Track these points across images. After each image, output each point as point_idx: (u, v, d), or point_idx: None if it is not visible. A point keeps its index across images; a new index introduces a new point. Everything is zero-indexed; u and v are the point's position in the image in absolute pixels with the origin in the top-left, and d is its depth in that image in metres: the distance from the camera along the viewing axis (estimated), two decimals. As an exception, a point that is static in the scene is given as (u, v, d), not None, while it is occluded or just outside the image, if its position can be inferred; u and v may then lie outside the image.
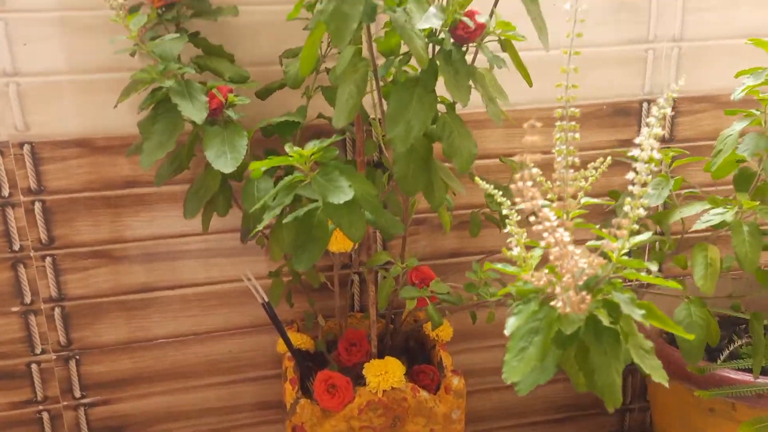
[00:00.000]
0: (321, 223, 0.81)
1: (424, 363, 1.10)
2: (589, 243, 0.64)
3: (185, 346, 1.24)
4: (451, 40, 0.79)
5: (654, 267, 0.58)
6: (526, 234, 0.61)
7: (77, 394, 1.22)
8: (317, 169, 0.80)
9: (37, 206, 1.11)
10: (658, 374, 0.68)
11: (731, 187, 0.99)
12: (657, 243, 0.96)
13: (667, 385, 0.67)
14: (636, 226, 0.58)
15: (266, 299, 0.99)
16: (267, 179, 0.92)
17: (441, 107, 0.85)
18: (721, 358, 1.14)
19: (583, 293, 0.57)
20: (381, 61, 0.86)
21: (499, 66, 0.82)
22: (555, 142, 0.63)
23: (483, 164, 1.23)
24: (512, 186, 0.52)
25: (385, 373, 0.98)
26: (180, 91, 0.90)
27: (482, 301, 0.92)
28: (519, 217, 0.60)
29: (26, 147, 1.08)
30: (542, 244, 0.54)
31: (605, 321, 0.61)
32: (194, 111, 0.89)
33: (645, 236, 0.59)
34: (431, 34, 0.79)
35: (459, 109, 0.87)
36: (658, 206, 0.94)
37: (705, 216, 0.84)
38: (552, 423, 1.45)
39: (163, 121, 0.92)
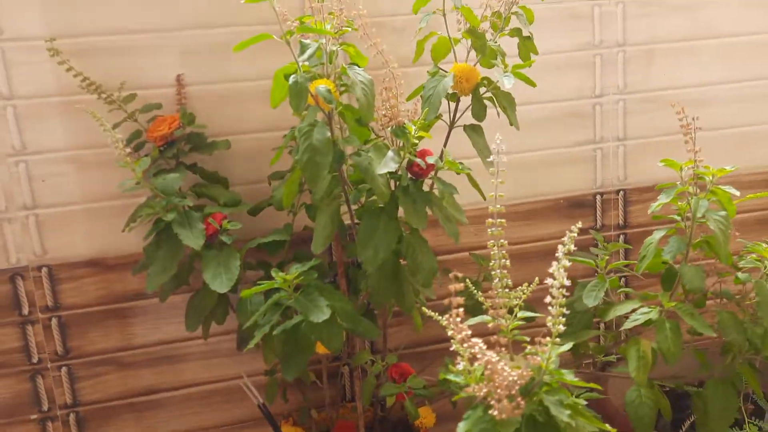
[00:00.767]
0: (305, 335, 0.94)
1: (410, 449, 1.20)
2: (527, 350, 0.76)
3: (188, 441, 1.34)
4: (408, 176, 0.93)
5: (570, 375, 0.70)
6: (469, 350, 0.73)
7: (90, 492, 1.31)
8: (300, 289, 0.93)
9: (54, 322, 1.24)
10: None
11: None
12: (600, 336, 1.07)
13: None
14: (558, 339, 0.70)
15: (261, 401, 1.10)
16: (258, 294, 1.05)
17: (406, 228, 0.99)
18: (683, 428, 1.24)
19: (518, 399, 0.69)
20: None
21: (451, 193, 0.96)
22: (490, 269, 0.76)
23: (456, 257, 1.36)
24: (443, 322, 0.65)
25: (373, 464, 1.09)
26: (180, 222, 1.04)
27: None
28: (463, 334, 0.72)
29: (44, 269, 1.22)
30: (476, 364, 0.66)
31: (541, 419, 0.73)
32: (193, 239, 1.03)
33: (566, 346, 0.71)
34: (392, 171, 0.94)
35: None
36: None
37: (633, 315, 0.96)
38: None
39: (166, 247, 1.05)
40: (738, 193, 0.96)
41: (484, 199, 1.07)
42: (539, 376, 0.71)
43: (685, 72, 1.42)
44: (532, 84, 1.05)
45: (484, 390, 0.68)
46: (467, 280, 0.78)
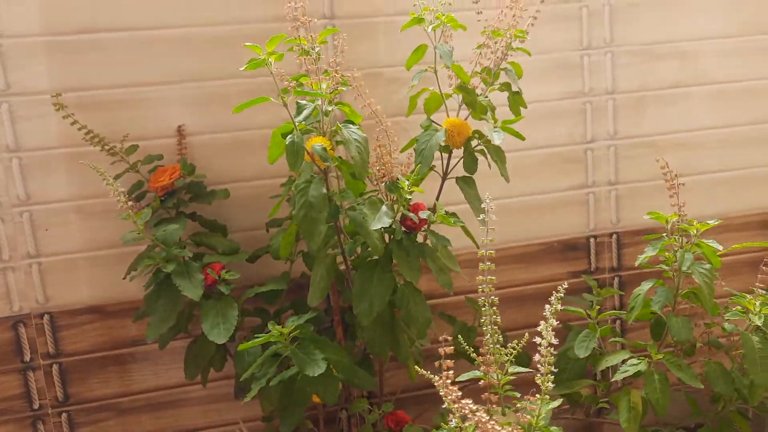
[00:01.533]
0: (301, 389, 0.95)
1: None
2: (518, 405, 0.78)
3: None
4: (402, 229, 0.96)
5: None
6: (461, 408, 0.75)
7: None
8: (296, 342, 0.95)
9: (55, 368, 1.26)
10: None
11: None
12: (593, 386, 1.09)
13: None
14: (548, 397, 0.72)
15: (259, 449, 1.11)
16: (255, 348, 1.07)
17: (401, 279, 1.01)
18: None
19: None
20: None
21: (444, 245, 0.99)
22: (482, 323, 0.78)
23: (452, 301, 1.38)
24: (435, 381, 0.67)
25: None
26: (180, 272, 1.07)
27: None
28: (453, 395, 0.74)
29: (46, 317, 1.24)
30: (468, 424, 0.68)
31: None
32: (192, 289, 1.05)
33: (556, 403, 0.73)
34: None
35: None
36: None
37: (624, 367, 0.98)
38: None
39: (165, 297, 1.07)
40: (721, 248, 0.99)
41: (477, 248, 1.09)
42: (530, 433, 0.73)
43: (674, 117, 1.45)
44: (521, 138, 1.08)
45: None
46: (459, 337, 0.80)
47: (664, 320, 1.01)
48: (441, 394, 0.68)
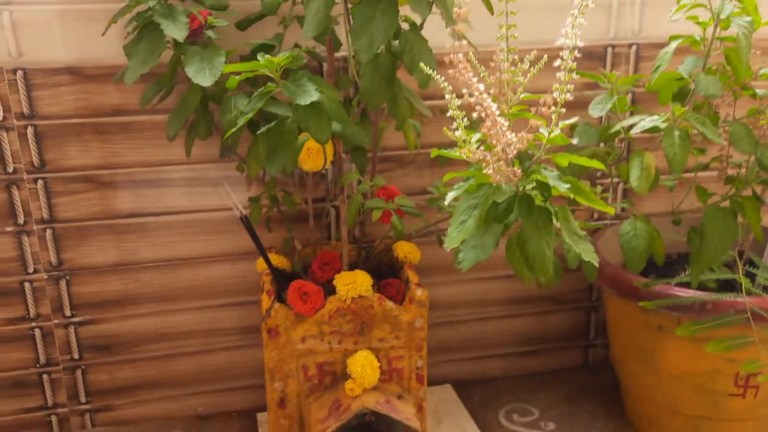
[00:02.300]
0: (291, 131, 0.88)
1: (392, 281, 1.17)
2: (531, 121, 0.71)
3: (172, 270, 1.31)
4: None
5: (575, 140, 0.65)
6: (466, 118, 0.68)
7: (67, 312, 1.29)
8: (288, 76, 0.87)
9: (30, 131, 1.18)
10: (589, 255, 0.75)
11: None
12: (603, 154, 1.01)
13: (597, 263, 0.75)
14: (563, 110, 0.65)
15: (244, 213, 1.06)
16: (243, 97, 0.99)
17: (405, 25, 0.92)
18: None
19: (515, 168, 0.64)
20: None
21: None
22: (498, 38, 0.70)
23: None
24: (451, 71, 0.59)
25: (354, 283, 1.06)
26: (163, 13, 0.97)
27: (443, 214, 1.00)
28: (459, 102, 0.66)
29: (19, 72, 1.15)
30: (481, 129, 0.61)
31: (537, 200, 0.68)
32: (176, 30, 0.96)
33: (573, 120, 0.66)
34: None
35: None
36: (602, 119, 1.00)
37: (641, 123, 0.91)
38: (520, 355, 1.54)
39: (147, 40, 0.98)
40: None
41: (491, 13, 1.00)
42: (539, 151, 0.66)
43: None
44: None
45: (479, 155, 0.63)
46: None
47: (689, 87, 0.93)
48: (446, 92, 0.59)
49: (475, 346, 1.50)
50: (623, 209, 1.36)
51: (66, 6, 1.14)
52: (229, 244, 1.31)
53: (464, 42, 0.60)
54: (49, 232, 1.24)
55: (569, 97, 0.64)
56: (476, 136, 0.68)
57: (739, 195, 0.95)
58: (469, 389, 1.49)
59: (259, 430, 1.33)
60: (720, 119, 0.97)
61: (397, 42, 0.91)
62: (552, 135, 0.65)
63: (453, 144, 0.68)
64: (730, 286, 1.08)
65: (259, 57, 0.86)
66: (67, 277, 1.27)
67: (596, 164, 0.72)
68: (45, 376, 1.32)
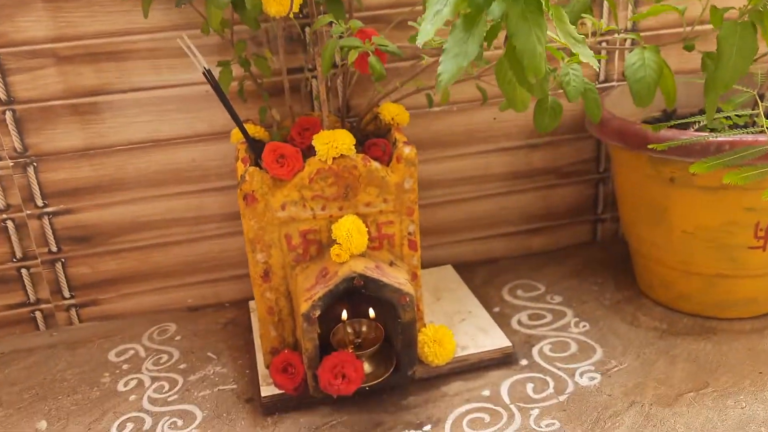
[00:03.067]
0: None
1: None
2: None
3: (145, 154, 1.23)
4: None
5: None
6: None
7: (39, 202, 1.22)
8: None
9: (-27, -1, 1.07)
10: (587, 57, 0.65)
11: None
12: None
13: (597, 67, 0.65)
14: None
15: (206, 67, 0.96)
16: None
17: None
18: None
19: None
20: None
21: None
22: None
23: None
24: None
25: (334, 141, 0.97)
26: None
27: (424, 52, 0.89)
28: None
29: (-48, -68, 1.03)
30: None
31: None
32: None
33: None
34: None
35: None
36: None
37: None
38: (524, 233, 1.46)
39: None
40: None
41: None
42: None
43: None
44: None
45: None
46: None
47: None
48: None
49: (477, 226, 1.42)
50: (632, 41, 1.25)
51: None
52: (205, 123, 1.22)
53: None
54: (9, 114, 1.15)
55: None
56: None
57: (761, 5, 0.83)
58: (472, 270, 1.42)
59: (251, 315, 1.28)
60: None
61: None
62: None
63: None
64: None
65: None
66: (35, 164, 1.19)
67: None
68: (24, 271, 1.26)
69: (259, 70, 1.10)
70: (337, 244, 0.98)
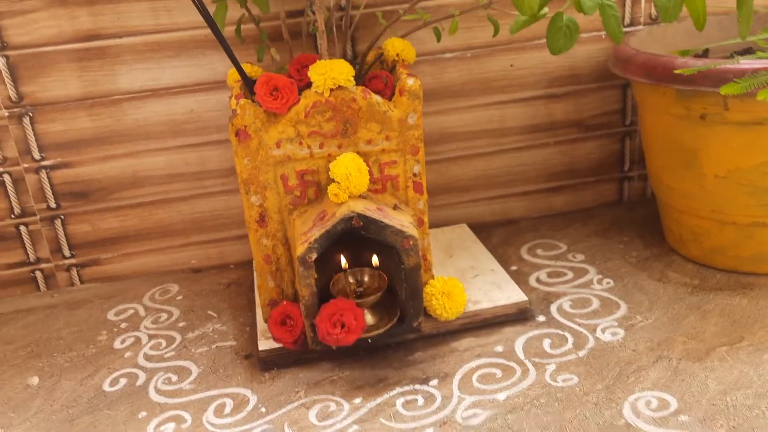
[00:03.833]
0: None
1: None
2: None
3: (143, 103, 1.18)
4: None
5: None
6: None
7: (36, 155, 1.18)
8: None
9: (-37, -61, 1.04)
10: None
11: None
12: None
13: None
14: None
15: (197, -5, 0.90)
16: None
17: None
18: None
19: None
20: None
21: None
22: None
23: None
24: None
25: (330, 71, 0.90)
26: None
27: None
28: None
29: None
30: None
31: None
32: None
33: None
34: None
35: None
36: None
37: None
38: (545, 192, 1.37)
39: None
40: None
41: None
42: None
43: None
44: None
45: None
46: None
47: None
48: None
49: (493, 184, 1.34)
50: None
51: None
52: (205, 71, 1.17)
53: None
54: (2, 60, 1.11)
55: None
56: None
57: None
58: (488, 231, 1.34)
59: (255, 275, 1.22)
60: None
61: None
62: None
63: None
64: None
65: None
66: (30, 114, 1.15)
67: None
68: (23, 228, 1.22)
69: (257, 6, 1.04)
70: (335, 182, 0.91)
